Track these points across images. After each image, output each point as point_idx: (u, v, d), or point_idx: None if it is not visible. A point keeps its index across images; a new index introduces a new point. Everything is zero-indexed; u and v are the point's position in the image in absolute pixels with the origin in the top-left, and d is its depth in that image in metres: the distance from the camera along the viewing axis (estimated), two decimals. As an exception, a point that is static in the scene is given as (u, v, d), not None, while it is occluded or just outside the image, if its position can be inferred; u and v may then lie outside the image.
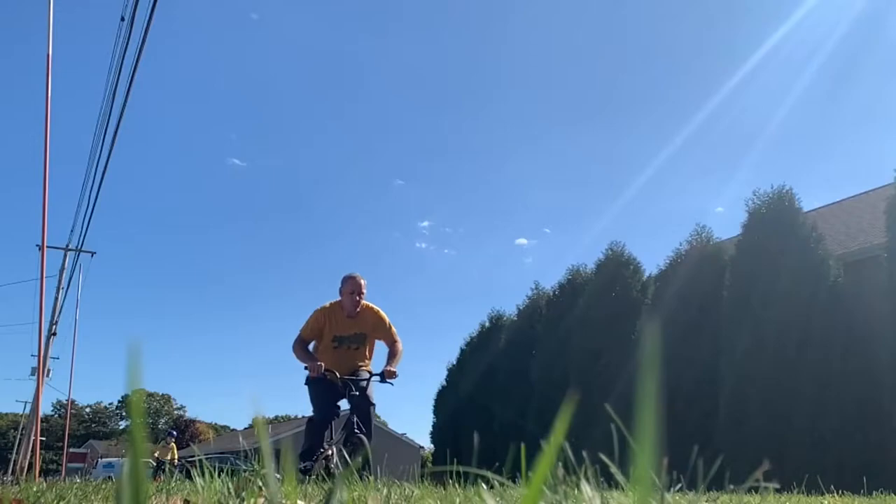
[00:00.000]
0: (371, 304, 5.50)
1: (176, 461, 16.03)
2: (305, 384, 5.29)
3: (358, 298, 5.34)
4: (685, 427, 10.98)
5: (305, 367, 5.27)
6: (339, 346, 5.39)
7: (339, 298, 5.50)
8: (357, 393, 5.17)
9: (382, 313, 5.52)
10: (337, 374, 5.20)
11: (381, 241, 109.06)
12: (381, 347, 5.71)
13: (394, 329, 5.56)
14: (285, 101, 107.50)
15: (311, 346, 5.56)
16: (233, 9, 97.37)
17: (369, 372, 5.44)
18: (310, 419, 5.34)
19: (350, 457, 4.85)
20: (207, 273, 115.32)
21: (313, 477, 4.95)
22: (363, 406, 5.16)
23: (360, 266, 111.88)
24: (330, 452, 5.15)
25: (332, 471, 5.12)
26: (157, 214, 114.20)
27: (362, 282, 5.37)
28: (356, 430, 5.05)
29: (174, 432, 18.61)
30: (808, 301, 10.70)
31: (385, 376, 5.24)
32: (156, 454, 16.18)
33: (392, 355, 5.40)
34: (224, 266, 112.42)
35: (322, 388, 5.20)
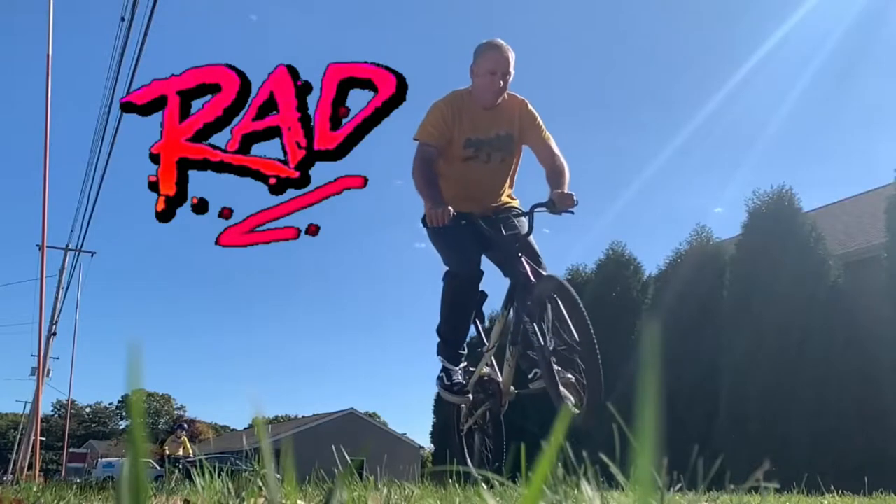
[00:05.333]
0: (515, 94, 3.57)
1: (190, 454, 15.67)
2: (423, 225, 3.36)
3: (502, 83, 3.39)
4: (685, 427, 10.97)
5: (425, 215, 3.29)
6: (475, 158, 3.49)
7: (467, 87, 3.53)
8: (513, 232, 3.38)
9: (531, 106, 3.60)
10: (480, 219, 3.37)
11: (381, 241, 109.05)
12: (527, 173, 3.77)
13: (549, 134, 3.62)
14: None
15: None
16: (232, 10, 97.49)
17: (521, 211, 3.57)
18: (448, 273, 3.46)
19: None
20: (207, 273, 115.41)
21: (468, 396, 3.53)
22: (531, 251, 3.35)
23: (360, 266, 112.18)
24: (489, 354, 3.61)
25: (496, 391, 3.56)
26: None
27: (510, 56, 3.38)
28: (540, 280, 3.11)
29: (185, 425, 18.14)
30: (808, 301, 10.69)
31: (558, 203, 3.26)
32: (166, 451, 15.86)
33: (558, 173, 3.44)
34: (224, 266, 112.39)
35: (458, 228, 3.26)
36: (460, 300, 3.49)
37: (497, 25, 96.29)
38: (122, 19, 9.09)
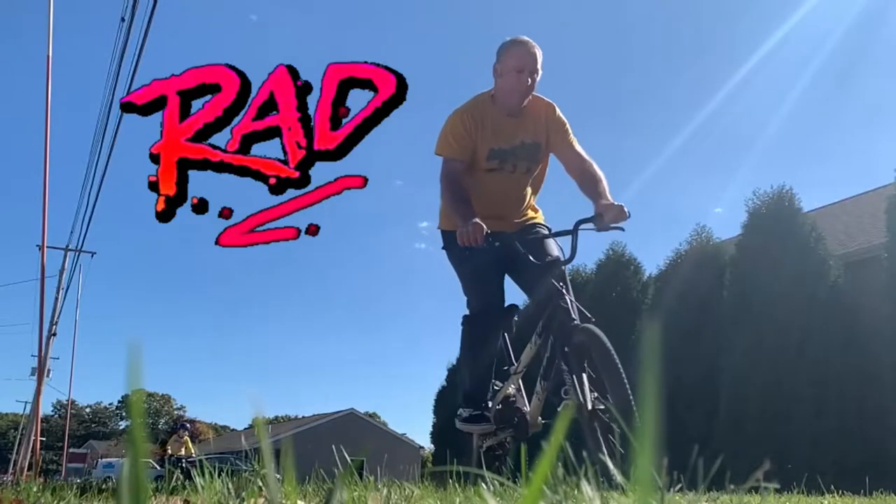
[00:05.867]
0: (541, 96, 3.25)
1: (193, 454, 15.62)
2: (444, 248, 3.23)
3: (530, 81, 3.08)
4: (685, 427, 10.98)
5: (442, 229, 3.21)
6: (500, 169, 3.19)
7: (490, 90, 3.21)
8: (551, 258, 3.03)
9: (559, 111, 3.28)
10: (518, 245, 2.97)
11: (381, 241, 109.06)
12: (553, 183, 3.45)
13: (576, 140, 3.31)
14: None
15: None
16: (232, 10, 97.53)
17: (547, 227, 3.30)
18: (467, 317, 3.24)
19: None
20: (207, 273, 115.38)
21: (490, 435, 3.29)
22: (566, 280, 2.96)
23: (360, 266, 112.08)
24: (514, 387, 3.29)
25: (521, 423, 3.20)
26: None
27: (538, 52, 3.08)
28: (575, 322, 2.74)
29: (187, 425, 18.06)
30: (808, 301, 10.69)
31: (606, 217, 2.85)
32: (168, 451, 15.82)
33: (595, 180, 3.08)
34: (224, 266, 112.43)
35: (482, 256, 2.94)
36: (480, 349, 3.18)
37: (497, 26, 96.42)
38: (122, 19, 9.10)
